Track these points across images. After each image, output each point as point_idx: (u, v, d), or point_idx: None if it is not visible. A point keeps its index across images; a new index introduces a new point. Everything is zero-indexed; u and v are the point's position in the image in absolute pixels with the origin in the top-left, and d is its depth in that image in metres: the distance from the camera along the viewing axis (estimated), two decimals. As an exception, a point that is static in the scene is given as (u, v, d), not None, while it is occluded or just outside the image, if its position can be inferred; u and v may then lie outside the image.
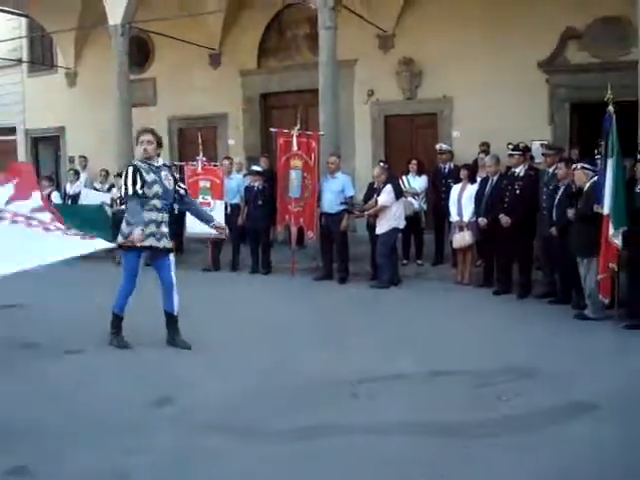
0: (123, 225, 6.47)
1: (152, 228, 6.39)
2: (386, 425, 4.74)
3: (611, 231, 7.16)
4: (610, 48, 12.14)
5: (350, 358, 6.25)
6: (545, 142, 11.23)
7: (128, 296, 6.58)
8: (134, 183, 6.30)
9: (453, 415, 4.91)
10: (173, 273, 6.59)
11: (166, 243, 6.53)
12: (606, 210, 7.21)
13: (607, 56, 12.17)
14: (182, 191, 6.73)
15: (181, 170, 11.54)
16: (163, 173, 6.50)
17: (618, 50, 12.04)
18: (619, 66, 11.62)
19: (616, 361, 6.21)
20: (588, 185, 7.67)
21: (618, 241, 7.17)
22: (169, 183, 6.52)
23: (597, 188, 7.42)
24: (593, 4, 11.93)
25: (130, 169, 6.38)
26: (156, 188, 6.38)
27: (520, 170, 9.02)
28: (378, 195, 9.63)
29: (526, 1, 12.10)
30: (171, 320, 6.65)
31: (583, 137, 11.72)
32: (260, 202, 10.86)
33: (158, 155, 6.58)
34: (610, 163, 7.22)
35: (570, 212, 7.73)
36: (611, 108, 7.35)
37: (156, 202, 6.40)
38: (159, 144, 6.55)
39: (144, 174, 6.35)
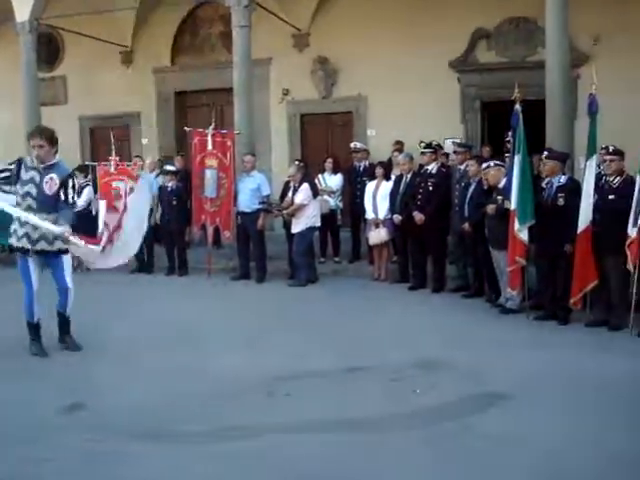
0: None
1: (27, 229, 6.14)
2: (301, 423, 4.76)
3: (517, 226, 7.36)
4: (518, 48, 12.53)
5: (266, 357, 6.23)
6: (457, 140, 11.47)
7: (31, 301, 6.34)
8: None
9: (368, 410, 4.96)
10: (67, 274, 6.42)
11: (45, 246, 6.21)
12: (513, 205, 7.42)
13: (515, 56, 12.55)
14: (62, 197, 6.21)
15: (93, 170, 11.23)
16: (49, 176, 6.13)
17: (526, 50, 12.45)
18: (527, 65, 12.02)
19: (526, 352, 6.38)
20: (505, 181, 7.83)
21: (524, 235, 7.39)
22: (49, 186, 6.13)
23: (505, 184, 7.63)
24: (501, 5, 12.26)
25: (15, 162, 6.20)
26: (27, 188, 6.13)
27: (432, 167, 9.19)
28: (294, 194, 9.63)
29: (438, 2, 12.32)
30: (62, 320, 6.55)
31: (494, 135, 12.02)
32: (174, 202, 10.68)
33: (55, 152, 6.25)
34: (517, 160, 7.41)
35: (490, 208, 7.87)
36: (518, 106, 7.55)
37: (30, 202, 6.14)
38: (53, 142, 6.20)
39: (22, 171, 6.13)
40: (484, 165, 8.24)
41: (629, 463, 4.07)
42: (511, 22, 12.57)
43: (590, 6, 11.29)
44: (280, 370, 5.84)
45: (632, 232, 6.76)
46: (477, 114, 12.90)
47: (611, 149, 7.14)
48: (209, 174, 10.35)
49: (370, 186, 9.99)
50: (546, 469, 4.02)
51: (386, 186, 9.73)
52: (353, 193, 10.99)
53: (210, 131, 10.39)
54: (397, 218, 9.37)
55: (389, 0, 12.60)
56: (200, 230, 10.88)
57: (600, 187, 7.14)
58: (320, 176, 10.99)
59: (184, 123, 13.42)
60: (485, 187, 8.16)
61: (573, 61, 10.69)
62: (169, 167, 11.18)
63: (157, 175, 12.01)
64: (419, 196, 9.06)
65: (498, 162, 8.05)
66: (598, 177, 7.22)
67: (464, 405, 5.06)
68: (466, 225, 8.41)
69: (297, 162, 10.14)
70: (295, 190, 9.64)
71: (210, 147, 10.34)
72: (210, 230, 10.60)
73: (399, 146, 11.36)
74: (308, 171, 10.30)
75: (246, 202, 10.05)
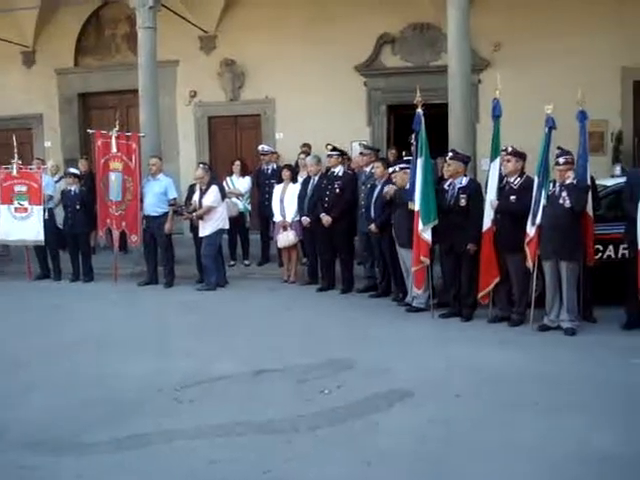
0: None
1: None
2: (209, 428, 4.72)
3: (421, 226, 7.53)
4: (422, 53, 12.82)
5: (172, 363, 6.15)
6: (364, 142, 11.62)
7: None
8: None
9: (276, 412, 4.96)
10: None
11: None
12: (416, 207, 7.57)
13: (420, 60, 12.84)
14: None
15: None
16: None
17: (430, 55, 12.75)
18: (431, 70, 12.31)
19: (431, 349, 6.54)
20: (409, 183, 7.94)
21: (427, 235, 7.56)
22: None
23: (409, 186, 7.78)
24: (406, 10, 12.52)
25: None
26: None
27: (339, 170, 9.27)
28: (202, 196, 9.52)
29: (344, 6, 12.45)
30: None
31: (400, 138, 12.24)
32: (78, 206, 10.37)
33: None
34: (420, 162, 7.57)
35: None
36: (420, 110, 7.71)
37: None
38: None
39: None
40: (391, 169, 8.39)
41: (523, 449, 4.22)
42: (415, 28, 12.85)
43: (491, 14, 11.70)
44: (187, 375, 5.78)
45: (531, 231, 7.00)
46: (383, 117, 13.12)
47: (510, 149, 7.38)
48: (114, 177, 10.12)
49: (278, 189, 10.00)
50: (447, 463, 4.12)
51: (293, 189, 9.77)
52: (262, 196, 10.99)
53: (114, 133, 10.16)
54: (305, 220, 9.42)
55: (297, 4, 12.67)
56: (105, 234, 10.62)
57: (501, 188, 7.38)
58: (228, 179, 10.93)
59: (88, 125, 13.13)
60: (388, 198, 8.27)
61: (475, 66, 11.04)
62: (72, 170, 10.85)
63: (59, 179, 11.68)
64: (326, 198, 9.14)
65: (404, 165, 8.19)
66: (500, 178, 7.45)
67: (370, 403, 5.12)
68: (373, 226, 8.52)
69: (203, 164, 10.03)
70: (202, 193, 9.54)
71: (114, 150, 10.10)
72: (116, 234, 10.36)
73: (306, 149, 11.43)
74: (214, 174, 10.22)
75: (153, 206, 9.89)
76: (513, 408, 4.94)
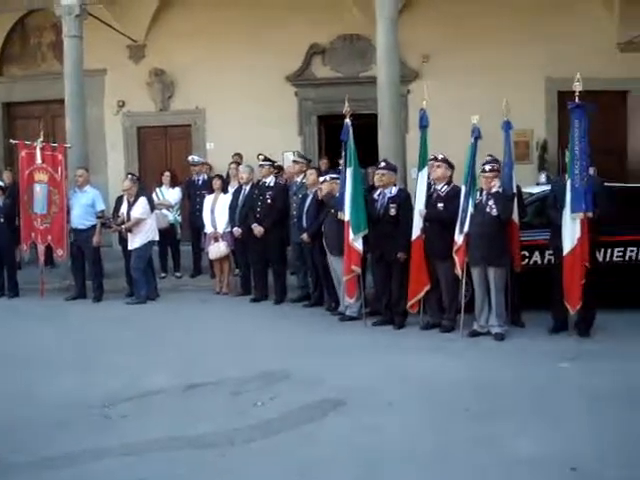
0: None
1: None
2: (141, 444, 4.62)
3: (351, 236, 7.57)
4: (352, 64, 12.96)
5: (103, 379, 6.00)
6: (295, 151, 11.62)
7: None
8: None
9: (209, 426, 4.90)
10: None
11: None
12: (347, 217, 7.61)
13: (350, 71, 12.97)
14: None
15: None
16: None
17: (360, 66, 12.89)
18: (361, 81, 12.44)
19: (364, 357, 6.57)
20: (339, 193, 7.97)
21: (358, 245, 7.60)
22: None
23: (339, 196, 7.83)
24: (336, 21, 12.65)
25: None
26: None
27: (270, 180, 9.25)
28: (130, 208, 9.36)
29: (275, 16, 12.47)
30: None
31: (331, 148, 12.31)
32: (2, 219, 10.03)
33: None
34: (349, 172, 7.62)
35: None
36: (348, 121, 7.77)
37: None
38: None
39: None
40: (321, 178, 8.42)
41: (452, 456, 4.29)
42: (345, 39, 13.00)
43: (420, 26, 11.94)
44: (116, 391, 5.64)
45: (459, 239, 7.12)
46: (314, 127, 13.19)
47: (440, 157, 7.50)
48: (39, 189, 9.82)
49: (208, 199, 9.92)
50: (381, 471, 4.13)
51: (224, 199, 9.70)
52: (192, 206, 10.87)
53: (39, 144, 9.89)
54: (237, 231, 9.36)
55: (228, 14, 12.60)
56: (29, 248, 10.31)
57: (429, 196, 7.48)
58: (158, 190, 10.78)
59: (13, 136, 12.75)
60: (320, 197, 8.31)
61: (404, 77, 11.21)
62: (-4, 182, 10.51)
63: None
64: (258, 209, 9.10)
65: (334, 175, 8.23)
66: (428, 187, 7.55)
67: (304, 414, 5.11)
68: (305, 236, 8.53)
69: (130, 175, 9.86)
70: (130, 204, 9.37)
71: (39, 161, 9.83)
72: (41, 249, 10.06)
73: (237, 158, 11.39)
74: (143, 185, 10.05)
75: (80, 218, 9.63)
76: (444, 414, 5.00)
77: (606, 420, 4.83)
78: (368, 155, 10.07)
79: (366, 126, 10.10)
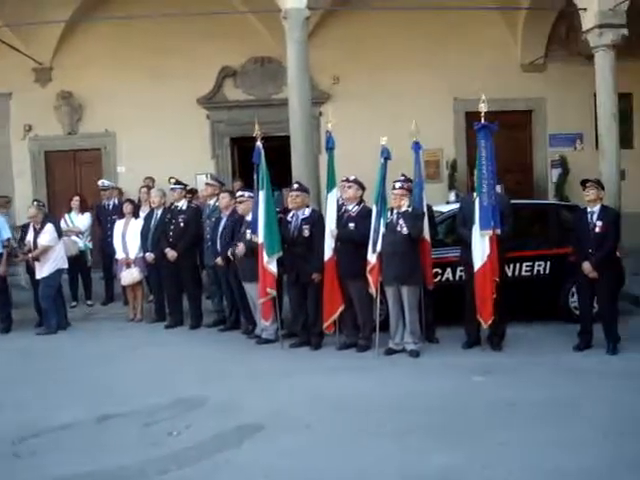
0: None
1: None
2: (50, 481, 4.44)
3: (266, 258, 7.54)
4: (264, 86, 13.04)
5: (10, 415, 5.77)
6: (208, 174, 11.55)
7: None
8: None
9: (122, 458, 4.76)
10: None
11: None
12: (260, 239, 7.58)
13: (261, 93, 13.07)
14: None
15: None
16: None
17: (272, 88, 12.99)
18: (274, 103, 12.53)
19: (280, 380, 6.53)
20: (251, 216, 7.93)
21: (273, 267, 7.58)
22: None
23: (252, 219, 7.80)
24: (247, 44, 12.74)
25: None
26: None
27: (182, 204, 9.14)
28: (37, 236, 9.05)
29: (185, 39, 12.44)
30: None
31: (245, 169, 12.28)
32: None
33: None
34: (262, 195, 7.60)
35: (239, 249, 7.93)
36: (259, 143, 7.78)
37: None
38: None
39: None
40: (239, 193, 8.38)
41: (367, 475, 4.33)
42: (256, 61, 13.09)
43: (330, 48, 12.14)
44: (25, 427, 5.42)
45: (372, 258, 7.20)
46: (227, 149, 13.19)
47: (351, 178, 7.57)
48: (-61, 218, 9.44)
49: (119, 224, 9.71)
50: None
51: (136, 224, 9.51)
52: (103, 232, 10.64)
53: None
54: (150, 256, 9.18)
55: (137, 36, 12.49)
56: None
57: (340, 216, 7.54)
58: (67, 216, 10.48)
59: None
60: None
61: (315, 99, 11.32)
62: None
63: None
64: (171, 233, 8.96)
65: (251, 194, 8.18)
66: (338, 208, 7.61)
67: (220, 441, 5.03)
68: (219, 259, 8.45)
69: (36, 202, 9.57)
70: (37, 232, 9.07)
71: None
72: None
73: (148, 181, 11.23)
74: (48, 211, 9.75)
75: (-16, 247, 9.28)
76: (361, 434, 5.02)
77: (518, 433, 4.94)
78: (282, 177, 10.10)
79: (280, 148, 10.15)
